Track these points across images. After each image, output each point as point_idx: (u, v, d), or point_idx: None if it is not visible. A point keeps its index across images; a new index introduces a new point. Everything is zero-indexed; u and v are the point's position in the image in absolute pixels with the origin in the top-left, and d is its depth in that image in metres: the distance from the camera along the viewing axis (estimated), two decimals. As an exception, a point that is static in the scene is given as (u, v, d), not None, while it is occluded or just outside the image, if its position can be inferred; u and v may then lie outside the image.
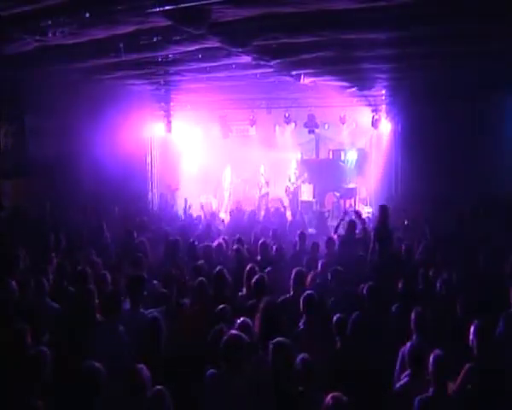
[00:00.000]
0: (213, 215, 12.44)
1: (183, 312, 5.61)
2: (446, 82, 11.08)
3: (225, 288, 5.89)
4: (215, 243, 8.11)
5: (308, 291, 5.42)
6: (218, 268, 6.01)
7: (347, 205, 15.33)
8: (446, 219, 9.71)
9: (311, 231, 11.84)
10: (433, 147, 11.68)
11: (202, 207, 13.35)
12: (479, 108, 11.21)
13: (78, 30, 6.59)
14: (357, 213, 9.32)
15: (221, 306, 5.15)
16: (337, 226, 9.30)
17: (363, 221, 8.92)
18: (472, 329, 4.52)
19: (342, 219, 9.32)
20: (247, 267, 6.30)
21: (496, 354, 4.55)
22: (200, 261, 6.86)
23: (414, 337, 4.83)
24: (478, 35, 7.40)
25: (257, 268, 6.30)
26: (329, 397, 3.52)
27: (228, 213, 13.84)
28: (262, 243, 7.77)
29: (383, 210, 8.20)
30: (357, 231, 8.52)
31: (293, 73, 10.07)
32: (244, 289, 6.14)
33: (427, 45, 7.96)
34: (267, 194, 16.07)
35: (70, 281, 6.27)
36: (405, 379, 4.34)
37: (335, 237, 8.69)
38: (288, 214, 13.43)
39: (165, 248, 8.04)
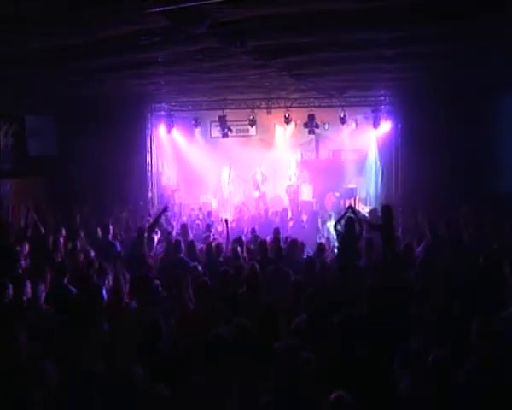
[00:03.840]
0: (213, 215, 12.41)
1: (186, 312, 5.62)
2: (447, 82, 11.09)
3: (229, 286, 5.97)
4: (214, 243, 8.12)
5: (309, 289, 5.42)
6: (222, 268, 6.06)
7: (347, 205, 15.26)
8: (446, 220, 9.68)
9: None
10: (434, 147, 11.68)
11: (201, 208, 13.31)
12: (479, 107, 11.21)
13: (78, 30, 6.60)
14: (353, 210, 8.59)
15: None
16: (338, 220, 8.45)
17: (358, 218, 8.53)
18: (473, 327, 4.51)
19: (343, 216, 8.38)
20: (250, 265, 6.37)
21: (496, 353, 4.54)
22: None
23: (414, 337, 4.82)
24: (478, 34, 7.40)
25: (257, 266, 6.32)
26: (333, 396, 3.51)
27: (230, 213, 13.77)
28: (261, 242, 7.76)
29: (387, 211, 8.15)
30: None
31: (293, 72, 10.06)
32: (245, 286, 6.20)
33: (427, 45, 7.95)
34: (264, 194, 15.98)
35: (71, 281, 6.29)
36: (406, 380, 4.33)
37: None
38: (289, 215, 13.38)
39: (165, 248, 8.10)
